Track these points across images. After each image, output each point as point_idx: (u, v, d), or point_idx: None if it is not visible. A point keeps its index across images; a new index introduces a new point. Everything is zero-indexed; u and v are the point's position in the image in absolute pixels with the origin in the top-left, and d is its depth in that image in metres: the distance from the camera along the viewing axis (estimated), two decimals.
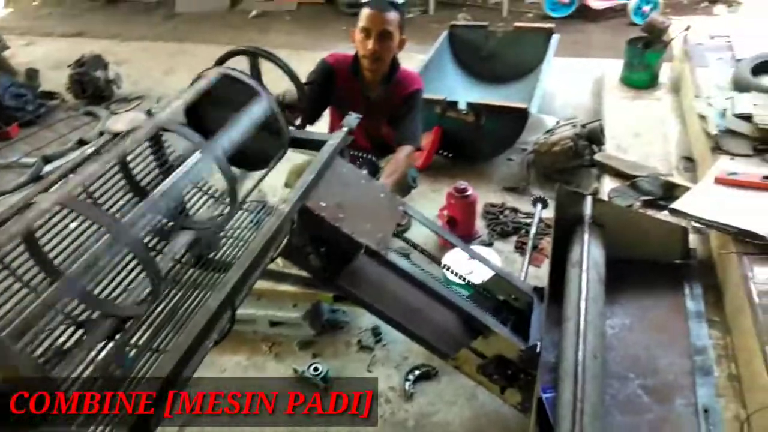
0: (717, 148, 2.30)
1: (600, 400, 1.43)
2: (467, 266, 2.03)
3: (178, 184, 1.19)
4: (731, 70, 2.78)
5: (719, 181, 2.04)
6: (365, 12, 2.20)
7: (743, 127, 2.34)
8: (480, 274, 1.83)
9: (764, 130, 2.27)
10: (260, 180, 1.40)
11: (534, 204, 2.11)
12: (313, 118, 2.36)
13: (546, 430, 1.47)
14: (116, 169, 1.27)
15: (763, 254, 1.79)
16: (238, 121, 1.28)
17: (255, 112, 1.33)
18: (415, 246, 1.71)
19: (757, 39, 3.04)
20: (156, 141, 1.41)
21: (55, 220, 1.00)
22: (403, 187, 2.50)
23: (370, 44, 2.20)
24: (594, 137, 2.75)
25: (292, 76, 1.52)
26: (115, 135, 1.32)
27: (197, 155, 1.30)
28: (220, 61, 1.51)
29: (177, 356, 0.91)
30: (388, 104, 2.39)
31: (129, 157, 1.29)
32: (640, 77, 3.21)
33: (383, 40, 2.20)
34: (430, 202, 2.85)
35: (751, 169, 2.13)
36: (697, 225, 2.03)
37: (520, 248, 2.54)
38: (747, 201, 1.94)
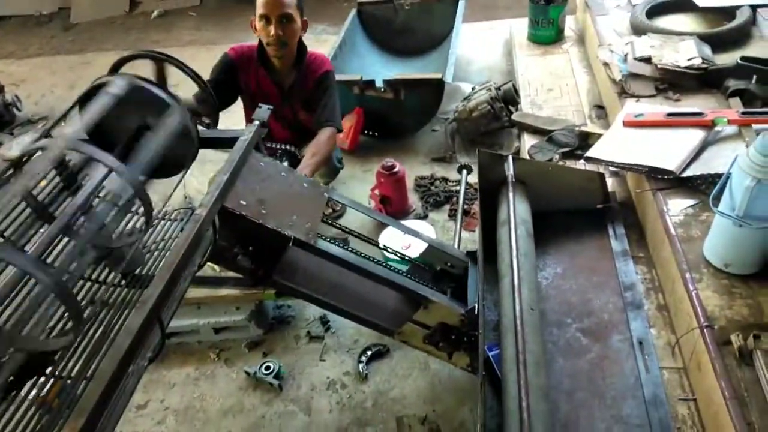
0: (623, 93, 2.40)
1: (542, 349, 1.49)
2: (404, 242, 2.06)
3: (86, 205, 1.13)
4: (628, 16, 2.89)
5: (627, 123, 2.12)
6: None
7: (644, 69, 2.44)
8: (417, 248, 1.85)
9: (663, 70, 2.39)
10: (176, 187, 1.35)
11: (459, 171, 2.15)
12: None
13: (496, 385, 1.52)
14: (21, 198, 1.20)
15: (674, 188, 1.89)
16: (154, 137, 1.23)
17: (169, 125, 1.28)
18: (348, 231, 1.71)
19: None
20: (60, 163, 1.34)
21: None
22: (330, 169, 2.48)
23: (272, 30, 2.15)
24: (509, 98, 2.82)
25: (193, 76, 1.47)
26: (12, 162, 1.23)
27: (101, 169, 1.25)
28: (114, 69, 1.44)
29: (103, 384, 0.88)
30: (301, 89, 2.35)
31: (33, 185, 1.22)
32: (546, 33, 3.30)
33: (285, 24, 2.16)
34: (362, 183, 2.86)
35: (655, 108, 2.23)
36: (612, 169, 2.12)
37: (453, 216, 2.58)
38: (655, 139, 2.03)
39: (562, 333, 1.68)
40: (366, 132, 3.15)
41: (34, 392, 1.02)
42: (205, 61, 2.41)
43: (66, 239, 1.25)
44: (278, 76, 2.33)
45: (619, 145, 2.04)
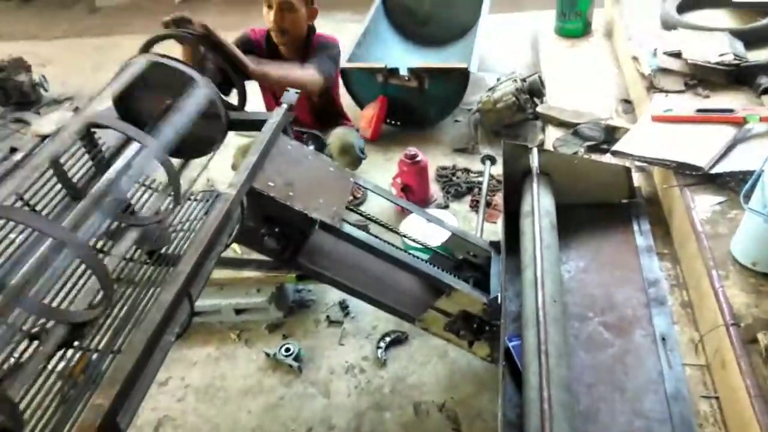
0: (651, 87, 2.37)
1: (564, 341, 1.48)
2: (425, 230, 2.06)
3: (117, 182, 1.15)
4: (658, 10, 2.85)
5: (656, 118, 2.10)
6: None
7: (674, 64, 2.41)
8: (438, 236, 1.85)
9: (693, 65, 2.35)
10: (204, 167, 1.36)
11: (483, 162, 2.14)
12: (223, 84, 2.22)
13: (515, 376, 1.52)
14: (49, 172, 1.22)
15: (702, 184, 1.87)
16: (179, 111, 1.24)
17: (195, 101, 1.29)
18: (370, 218, 1.71)
19: None
20: (89, 138, 1.36)
21: None
22: (353, 158, 2.47)
23: (271, 17, 2.14)
24: (534, 90, 2.79)
25: (224, 57, 1.48)
26: (43, 138, 1.25)
27: (133, 149, 1.27)
28: (146, 48, 1.45)
29: (135, 355, 0.89)
30: None
31: (62, 159, 1.24)
32: (574, 26, 3.26)
33: (285, 12, 2.14)
34: (384, 172, 2.86)
35: (684, 103, 2.20)
36: (639, 164, 2.10)
37: (475, 207, 2.58)
38: (683, 135, 2.00)
39: (584, 326, 1.67)
40: (389, 121, 3.15)
41: (61, 366, 1.04)
42: None
43: (94, 214, 1.28)
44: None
45: (646, 140, 2.01)
